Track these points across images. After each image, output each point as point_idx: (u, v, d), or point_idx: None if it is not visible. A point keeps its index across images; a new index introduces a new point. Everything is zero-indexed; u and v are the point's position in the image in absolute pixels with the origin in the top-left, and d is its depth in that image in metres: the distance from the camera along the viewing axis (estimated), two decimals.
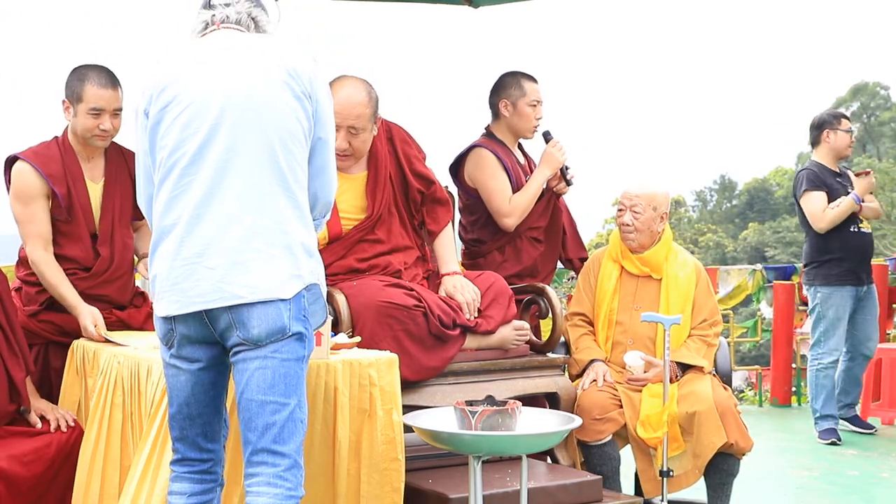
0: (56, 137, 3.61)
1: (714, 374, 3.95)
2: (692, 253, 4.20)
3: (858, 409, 6.15)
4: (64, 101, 3.55)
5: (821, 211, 5.58)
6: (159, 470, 2.73)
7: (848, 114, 8.18)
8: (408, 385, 3.33)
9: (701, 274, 4.04)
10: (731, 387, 4.00)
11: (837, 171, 5.73)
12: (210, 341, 2.48)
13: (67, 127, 3.61)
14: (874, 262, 7.20)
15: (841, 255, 5.63)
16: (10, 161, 3.56)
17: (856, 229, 5.65)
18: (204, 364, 2.50)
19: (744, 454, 3.79)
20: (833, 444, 5.61)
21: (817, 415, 5.75)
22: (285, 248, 2.44)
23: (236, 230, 2.41)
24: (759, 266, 7.43)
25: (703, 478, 3.79)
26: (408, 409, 3.21)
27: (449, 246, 3.80)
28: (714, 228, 37.72)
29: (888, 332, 7.00)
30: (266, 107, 2.46)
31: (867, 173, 5.64)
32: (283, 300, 2.41)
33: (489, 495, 3.08)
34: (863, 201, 5.60)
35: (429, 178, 3.77)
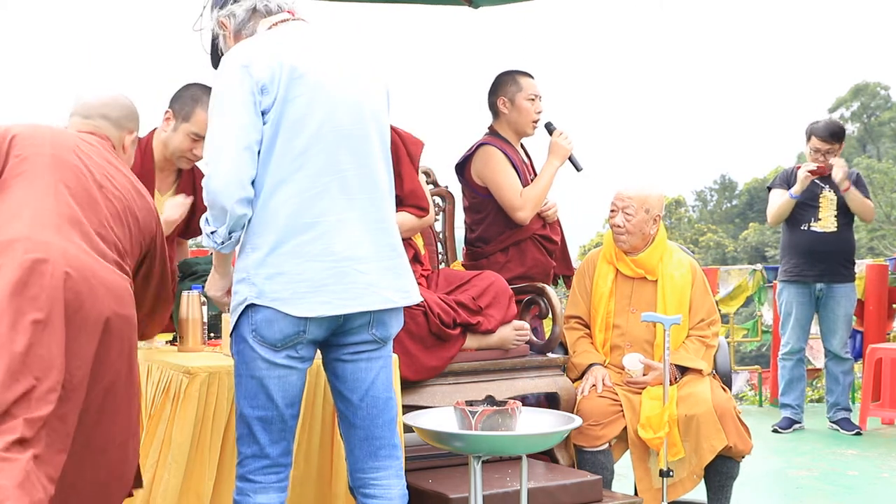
0: (139, 139, 3.39)
1: (714, 375, 3.94)
2: (692, 253, 4.15)
3: (857, 412, 6.15)
4: (167, 112, 3.39)
5: (769, 207, 5.90)
6: (163, 471, 2.72)
7: (848, 114, 8.18)
8: (408, 385, 3.34)
9: (697, 273, 3.99)
10: (731, 389, 3.99)
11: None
12: (320, 340, 2.49)
13: (155, 132, 3.44)
14: (873, 261, 7.21)
15: (789, 252, 5.88)
16: None
17: (806, 227, 5.76)
18: (311, 363, 2.53)
19: (743, 457, 3.78)
20: (778, 431, 5.89)
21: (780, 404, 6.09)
22: (405, 255, 2.59)
23: (380, 236, 2.50)
24: (759, 266, 7.40)
25: (703, 479, 3.79)
26: (408, 409, 3.22)
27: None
28: (714, 228, 37.67)
29: (888, 332, 6.97)
30: (381, 120, 2.58)
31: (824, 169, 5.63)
32: None
33: (489, 495, 3.08)
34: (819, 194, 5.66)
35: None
